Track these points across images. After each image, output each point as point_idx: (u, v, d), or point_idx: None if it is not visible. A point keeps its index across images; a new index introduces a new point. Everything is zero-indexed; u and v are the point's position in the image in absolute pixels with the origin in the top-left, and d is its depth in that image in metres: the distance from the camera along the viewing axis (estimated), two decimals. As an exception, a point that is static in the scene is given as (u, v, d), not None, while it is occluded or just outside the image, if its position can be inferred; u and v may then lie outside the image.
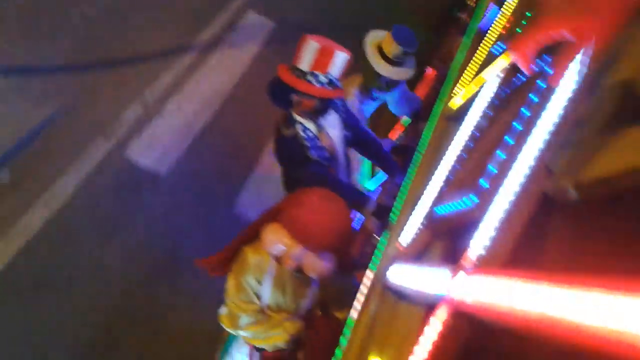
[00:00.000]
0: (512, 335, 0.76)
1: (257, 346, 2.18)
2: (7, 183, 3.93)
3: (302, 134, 2.57)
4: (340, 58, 2.39)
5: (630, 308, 0.52)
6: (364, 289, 1.75)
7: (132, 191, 4.18)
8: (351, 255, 2.19)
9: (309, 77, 2.38)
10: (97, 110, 4.59)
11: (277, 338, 2.09)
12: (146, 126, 4.61)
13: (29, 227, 3.73)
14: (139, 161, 4.37)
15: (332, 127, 2.70)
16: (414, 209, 1.84)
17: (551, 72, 0.87)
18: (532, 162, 0.98)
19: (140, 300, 3.61)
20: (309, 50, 2.35)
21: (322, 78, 2.38)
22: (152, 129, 4.61)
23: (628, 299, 0.54)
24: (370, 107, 3.60)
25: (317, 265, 1.87)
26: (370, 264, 2.00)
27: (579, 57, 0.82)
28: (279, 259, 1.96)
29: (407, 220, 1.85)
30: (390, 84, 3.27)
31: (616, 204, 0.86)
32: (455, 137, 1.80)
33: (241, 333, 2.11)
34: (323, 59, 2.35)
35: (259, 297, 2.09)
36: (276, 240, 1.87)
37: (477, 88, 1.98)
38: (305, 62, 2.37)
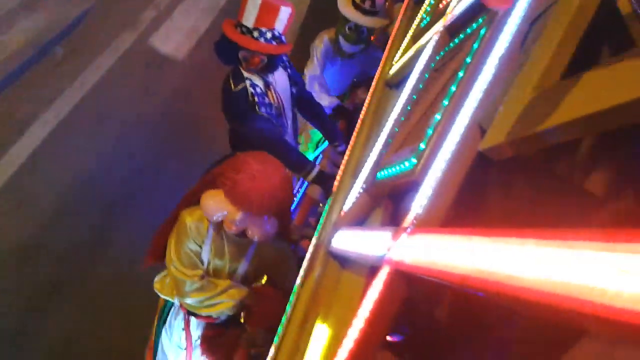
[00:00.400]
0: (450, 292, 0.77)
1: (203, 314, 2.16)
2: (61, 56, 5.54)
3: (250, 89, 2.53)
4: (285, 13, 2.34)
5: (562, 258, 0.54)
6: (307, 255, 1.76)
7: (157, 68, 5.66)
8: (290, 217, 2.20)
9: (255, 34, 2.33)
10: (120, 10, 6.14)
11: (223, 305, 2.07)
12: (161, 25, 6.15)
13: (85, 85, 5.23)
14: (160, 49, 5.89)
15: (280, 84, 2.68)
16: (356, 174, 1.84)
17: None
18: (466, 122, 0.99)
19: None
20: (253, 5, 2.30)
21: (268, 34, 2.35)
22: (166, 28, 6.15)
23: (560, 249, 0.55)
24: (338, 68, 3.56)
25: (260, 229, 1.88)
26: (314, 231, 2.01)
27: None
28: (219, 224, 1.95)
29: (349, 187, 1.86)
30: (356, 35, 3.27)
31: (547, 158, 0.88)
32: (395, 102, 1.81)
33: (187, 300, 2.07)
34: (268, 14, 2.31)
35: (202, 262, 2.07)
36: (217, 207, 1.85)
37: (414, 53, 1.99)
38: (250, 18, 2.32)
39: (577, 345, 0.74)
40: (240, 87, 2.52)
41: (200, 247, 2.04)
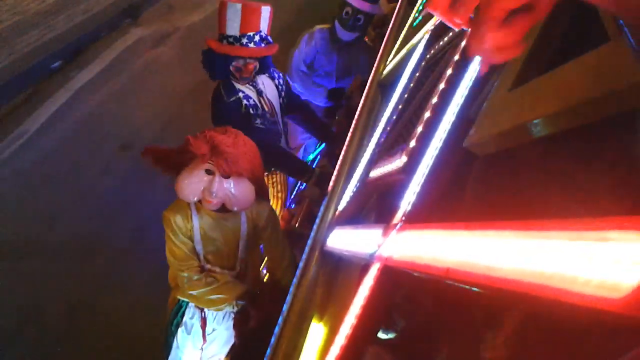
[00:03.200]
0: (437, 285, 0.78)
1: (212, 309, 2.19)
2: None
3: (244, 102, 2.53)
4: (266, 12, 2.35)
5: (535, 248, 0.55)
6: (303, 256, 1.77)
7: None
8: (265, 185, 2.28)
9: (244, 40, 2.34)
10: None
11: (222, 301, 2.10)
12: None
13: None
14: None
15: (270, 91, 2.68)
16: (350, 174, 1.86)
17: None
18: (452, 119, 1.00)
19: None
20: (234, 12, 2.30)
21: (256, 37, 2.35)
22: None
23: (533, 240, 0.56)
24: (330, 59, 3.54)
25: (237, 196, 1.92)
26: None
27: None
28: (201, 208, 2.00)
29: (344, 186, 1.87)
30: (353, 21, 3.23)
31: (540, 153, 0.89)
32: (388, 102, 1.82)
33: (189, 293, 2.11)
34: (251, 17, 2.31)
35: (197, 255, 2.10)
36: (191, 180, 1.88)
37: (405, 52, 2.01)
38: (233, 26, 2.32)
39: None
40: (233, 98, 2.52)
41: (191, 239, 2.07)
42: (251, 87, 2.56)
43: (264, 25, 2.37)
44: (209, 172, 1.88)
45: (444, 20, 0.73)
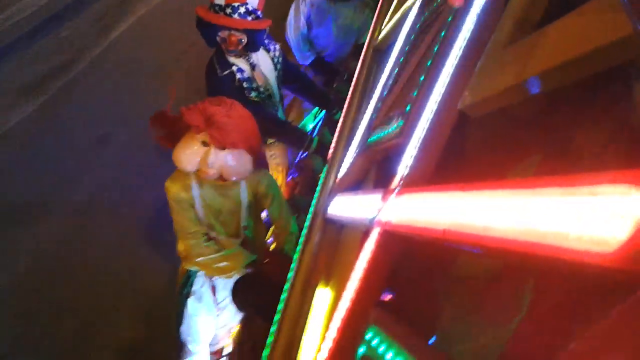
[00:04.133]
0: (435, 246, 0.80)
1: (222, 277, 2.24)
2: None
3: (237, 75, 2.52)
4: None
5: (531, 206, 0.56)
6: (306, 223, 1.78)
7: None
8: (263, 155, 2.31)
9: (228, 10, 2.30)
10: None
11: (230, 268, 2.15)
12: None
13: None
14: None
15: (265, 65, 2.65)
16: (349, 141, 1.86)
17: None
18: (447, 81, 1.00)
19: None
20: None
21: (242, 9, 2.31)
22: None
23: (530, 197, 0.57)
24: (330, 27, 3.48)
25: (234, 166, 1.94)
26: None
27: None
28: (200, 179, 2.02)
29: (343, 154, 1.88)
30: None
31: (519, 113, 0.90)
32: (383, 67, 1.81)
33: (197, 260, 2.16)
34: None
35: (201, 223, 2.14)
36: (189, 151, 1.90)
37: (400, 16, 1.99)
38: None
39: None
40: (226, 72, 2.50)
41: (193, 207, 2.11)
42: (244, 61, 2.54)
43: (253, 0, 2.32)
44: (205, 143, 1.89)
45: None
